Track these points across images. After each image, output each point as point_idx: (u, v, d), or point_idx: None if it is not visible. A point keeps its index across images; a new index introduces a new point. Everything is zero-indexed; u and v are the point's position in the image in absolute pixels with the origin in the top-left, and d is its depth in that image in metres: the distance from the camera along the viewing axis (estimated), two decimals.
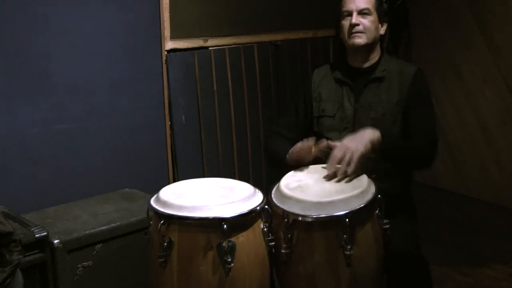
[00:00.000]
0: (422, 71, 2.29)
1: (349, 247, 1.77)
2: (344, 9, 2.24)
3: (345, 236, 1.77)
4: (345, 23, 2.24)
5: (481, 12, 3.91)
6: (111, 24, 2.94)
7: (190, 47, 3.26)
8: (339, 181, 1.98)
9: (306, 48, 3.79)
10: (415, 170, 2.41)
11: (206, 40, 3.33)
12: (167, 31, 3.14)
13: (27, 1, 2.64)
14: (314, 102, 2.35)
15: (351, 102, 2.26)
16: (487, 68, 3.94)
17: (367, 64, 2.28)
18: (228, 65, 3.42)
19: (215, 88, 3.38)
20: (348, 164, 1.96)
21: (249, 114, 3.55)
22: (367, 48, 2.25)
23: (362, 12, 2.21)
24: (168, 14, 3.13)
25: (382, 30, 2.28)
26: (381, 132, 2.05)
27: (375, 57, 2.28)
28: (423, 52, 4.32)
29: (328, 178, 1.99)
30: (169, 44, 3.16)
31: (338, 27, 2.29)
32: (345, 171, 1.97)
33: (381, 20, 2.25)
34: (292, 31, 3.72)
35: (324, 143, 2.09)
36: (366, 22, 2.21)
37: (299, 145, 2.10)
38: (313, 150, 2.10)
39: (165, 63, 3.16)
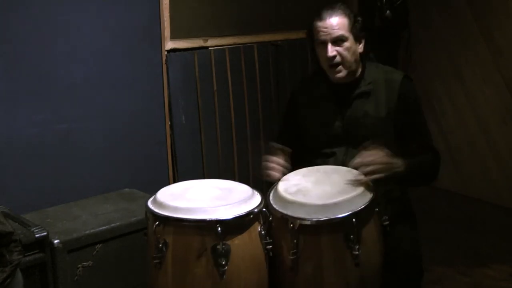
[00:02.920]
0: (408, 77, 2.22)
1: (357, 246, 1.76)
2: (317, 37, 2.13)
3: (352, 236, 1.77)
4: (322, 53, 2.14)
5: (481, 12, 3.92)
6: (111, 24, 2.94)
7: (190, 47, 3.26)
8: (337, 182, 1.97)
9: (306, 48, 3.78)
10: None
11: (206, 40, 3.33)
12: (167, 31, 3.14)
13: (27, 1, 2.64)
14: (300, 121, 2.29)
15: (339, 119, 2.20)
16: (487, 68, 3.94)
17: (350, 79, 2.19)
18: (228, 65, 3.42)
19: (215, 88, 3.38)
20: (367, 174, 1.91)
21: (249, 114, 3.55)
22: (349, 73, 2.17)
23: (337, 40, 2.11)
24: (168, 14, 3.13)
25: (360, 48, 2.17)
26: (406, 165, 1.97)
27: (357, 72, 2.20)
28: (423, 52, 4.32)
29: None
30: (169, 44, 3.16)
31: (314, 51, 2.19)
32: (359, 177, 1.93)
33: (357, 40, 2.15)
34: (292, 31, 3.72)
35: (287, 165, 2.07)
36: (342, 50, 2.11)
37: (271, 165, 2.06)
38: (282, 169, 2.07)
39: (165, 63, 3.16)
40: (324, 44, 2.12)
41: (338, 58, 2.12)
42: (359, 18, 2.16)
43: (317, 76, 2.28)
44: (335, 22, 2.10)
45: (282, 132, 2.43)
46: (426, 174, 2.13)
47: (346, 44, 2.11)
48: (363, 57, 2.21)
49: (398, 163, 1.97)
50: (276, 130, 3.60)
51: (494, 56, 3.88)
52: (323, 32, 2.11)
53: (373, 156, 1.94)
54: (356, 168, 1.95)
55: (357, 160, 1.95)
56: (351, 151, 2.17)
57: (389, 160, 1.94)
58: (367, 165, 1.91)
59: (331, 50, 2.10)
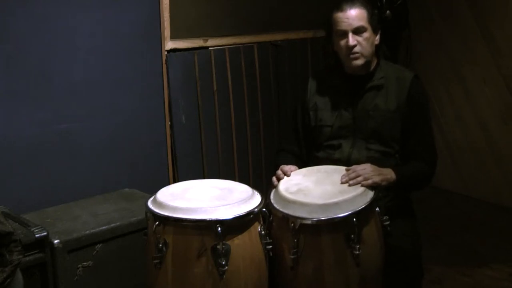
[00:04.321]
0: (418, 77, 2.28)
1: (358, 246, 1.78)
2: (338, 28, 2.20)
3: (352, 236, 1.78)
4: (342, 43, 2.21)
5: (481, 12, 3.91)
6: (111, 24, 2.94)
7: (190, 47, 3.26)
8: (337, 182, 1.98)
9: (306, 48, 3.79)
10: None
11: (206, 40, 3.33)
12: (167, 31, 3.13)
13: (27, 1, 2.64)
14: (311, 111, 2.32)
15: (349, 111, 2.24)
16: (487, 68, 3.94)
17: (364, 71, 2.26)
18: (228, 65, 3.42)
19: (215, 88, 3.38)
20: (359, 181, 1.97)
21: (249, 114, 3.55)
22: (366, 63, 2.23)
23: (357, 31, 2.17)
24: (168, 14, 3.13)
25: (377, 40, 2.25)
26: (397, 175, 2.07)
27: (372, 64, 2.27)
28: (423, 52, 4.32)
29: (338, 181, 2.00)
30: (169, 44, 3.16)
31: (330, 40, 2.26)
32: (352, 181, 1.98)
33: (375, 31, 2.23)
34: (292, 31, 3.72)
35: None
36: (362, 40, 2.18)
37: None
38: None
39: (165, 63, 3.16)
40: (345, 34, 2.18)
41: (358, 48, 2.19)
42: (376, 11, 2.25)
43: (332, 67, 2.36)
44: (355, 13, 2.18)
45: (293, 132, 2.43)
46: (418, 180, 2.20)
47: (366, 34, 2.19)
48: (378, 49, 2.28)
49: (388, 171, 2.06)
50: (277, 129, 3.64)
51: (494, 56, 3.88)
52: (345, 22, 2.18)
53: (363, 166, 2.02)
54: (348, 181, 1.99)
55: (349, 171, 2.01)
56: (357, 143, 2.21)
57: (378, 168, 2.04)
58: (358, 174, 1.97)
59: (352, 40, 2.17)
